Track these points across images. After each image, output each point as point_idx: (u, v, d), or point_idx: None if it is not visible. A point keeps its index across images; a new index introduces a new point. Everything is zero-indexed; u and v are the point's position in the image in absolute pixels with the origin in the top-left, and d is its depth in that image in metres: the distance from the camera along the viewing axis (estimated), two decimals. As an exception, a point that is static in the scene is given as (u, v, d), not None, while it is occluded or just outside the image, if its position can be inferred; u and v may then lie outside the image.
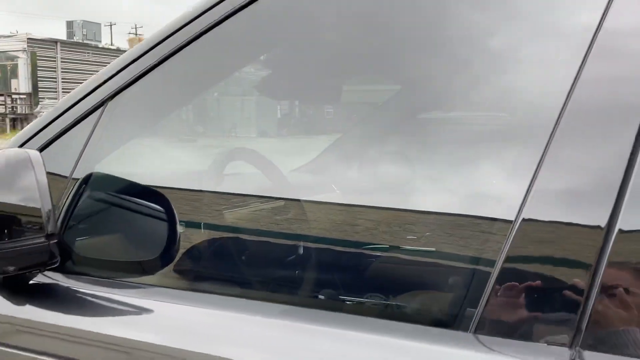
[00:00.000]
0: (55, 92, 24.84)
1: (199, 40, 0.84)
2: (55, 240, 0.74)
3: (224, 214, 1.01)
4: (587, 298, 0.56)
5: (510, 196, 0.64)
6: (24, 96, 23.67)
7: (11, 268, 0.75)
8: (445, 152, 0.86)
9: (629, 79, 0.60)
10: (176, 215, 0.87)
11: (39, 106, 24.22)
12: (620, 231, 0.56)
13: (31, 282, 0.85)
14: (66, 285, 0.84)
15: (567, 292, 0.58)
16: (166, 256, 0.86)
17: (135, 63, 0.87)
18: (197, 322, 0.74)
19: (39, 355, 0.79)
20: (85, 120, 0.90)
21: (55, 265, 0.76)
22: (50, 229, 0.73)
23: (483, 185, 0.78)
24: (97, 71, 0.91)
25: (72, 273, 0.85)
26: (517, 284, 0.60)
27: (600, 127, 0.60)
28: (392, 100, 1.20)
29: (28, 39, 23.89)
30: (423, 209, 0.82)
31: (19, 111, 23.51)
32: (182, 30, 0.85)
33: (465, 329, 0.61)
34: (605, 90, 0.61)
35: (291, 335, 0.68)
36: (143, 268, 0.87)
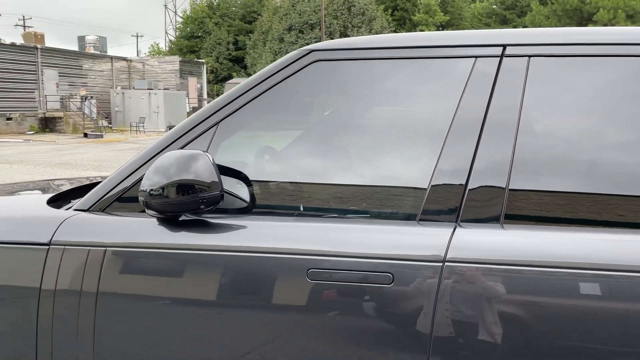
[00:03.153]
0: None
1: (274, 88, 1.62)
2: (223, 193, 1.49)
3: (270, 183, 1.79)
4: (462, 198, 1.42)
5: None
6: None
7: (202, 206, 1.49)
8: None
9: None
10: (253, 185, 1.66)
11: None
12: (477, 169, 1.42)
13: (180, 219, 1.58)
14: (205, 219, 1.57)
15: (452, 196, 1.43)
16: (250, 203, 1.64)
17: (236, 100, 1.63)
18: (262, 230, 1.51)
19: (194, 251, 1.51)
20: (205, 133, 1.64)
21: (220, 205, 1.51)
22: (220, 187, 1.48)
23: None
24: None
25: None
26: (439, 198, 1.45)
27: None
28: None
29: None
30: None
31: None
32: (264, 82, 1.63)
33: (414, 219, 1.46)
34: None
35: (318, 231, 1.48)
36: (243, 211, 1.64)
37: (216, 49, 46.92)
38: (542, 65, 1.48)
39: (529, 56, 1.49)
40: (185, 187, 1.48)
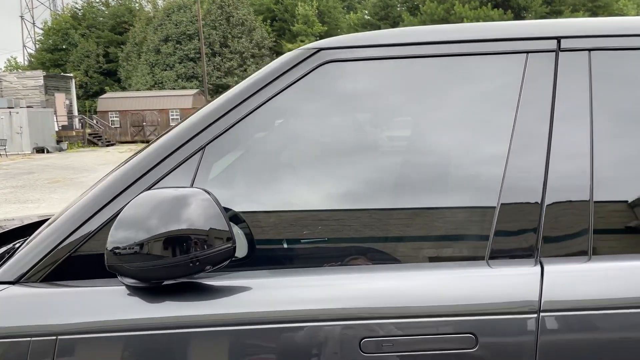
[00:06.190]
0: None
1: (275, 99, 1.23)
2: (235, 245, 1.07)
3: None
4: (539, 226, 1.13)
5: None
6: None
7: (208, 267, 1.05)
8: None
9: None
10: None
11: None
12: (552, 186, 1.14)
13: (164, 283, 1.12)
14: (196, 280, 1.13)
15: (528, 228, 1.14)
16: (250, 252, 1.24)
17: (226, 116, 1.21)
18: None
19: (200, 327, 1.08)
20: (187, 162, 1.20)
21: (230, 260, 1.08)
22: (232, 237, 1.06)
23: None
24: None
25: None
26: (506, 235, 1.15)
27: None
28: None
29: None
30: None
31: None
32: (260, 91, 1.23)
33: (482, 259, 1.14)
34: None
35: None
36: (241, 262, 1.23)
37: (84, 61, 43.61)
38: (607, 60, 1.25)
39: (589, 50, 1.25)
40: (175, 241, 1.04)
